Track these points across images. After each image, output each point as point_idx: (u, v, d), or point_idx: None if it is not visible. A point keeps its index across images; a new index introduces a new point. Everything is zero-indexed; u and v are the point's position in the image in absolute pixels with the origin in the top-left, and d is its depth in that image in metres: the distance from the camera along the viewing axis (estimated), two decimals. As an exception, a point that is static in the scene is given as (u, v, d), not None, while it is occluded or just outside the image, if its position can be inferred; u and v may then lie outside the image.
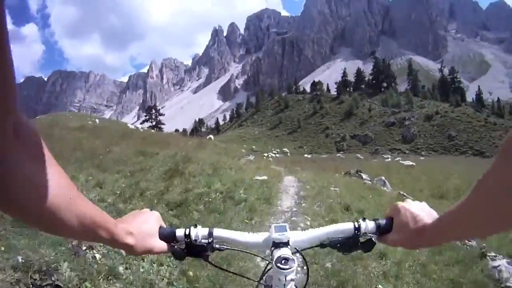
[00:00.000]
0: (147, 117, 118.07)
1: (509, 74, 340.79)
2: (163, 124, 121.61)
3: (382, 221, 1.12)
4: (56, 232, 0.82)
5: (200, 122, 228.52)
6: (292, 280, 1.06)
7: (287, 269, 1.04)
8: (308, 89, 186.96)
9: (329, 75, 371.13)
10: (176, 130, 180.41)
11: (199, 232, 1.15)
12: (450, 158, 73.81)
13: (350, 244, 1.14)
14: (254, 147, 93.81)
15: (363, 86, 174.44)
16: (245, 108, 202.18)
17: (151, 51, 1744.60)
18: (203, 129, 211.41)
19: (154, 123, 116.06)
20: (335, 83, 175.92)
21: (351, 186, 15.97)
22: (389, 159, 62.94)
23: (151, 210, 1.18)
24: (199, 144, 24.08)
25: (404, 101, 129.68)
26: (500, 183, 0.67)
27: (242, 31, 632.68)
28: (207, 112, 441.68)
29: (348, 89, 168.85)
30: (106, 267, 4.43)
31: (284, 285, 1.05)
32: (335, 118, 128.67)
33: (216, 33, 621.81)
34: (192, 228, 1.16)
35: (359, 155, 74.09)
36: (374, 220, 1.14)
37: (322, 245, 1.18)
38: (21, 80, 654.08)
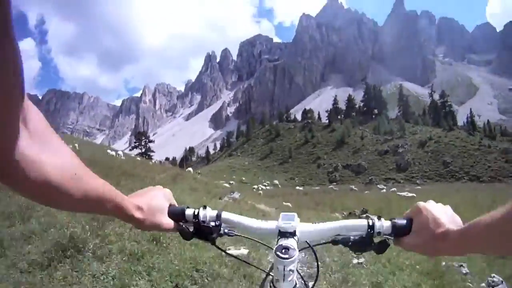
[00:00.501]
0: (137, 143, 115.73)
1: (496, 96, 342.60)
2: (153, 151, 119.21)
3: (400, 221, 1.05)
4: (62, 207, 0.85)
5: (191, 150, 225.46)
6: (291, 271, 1.01)
7: (286, 258, 0.99)
8: (299, 117, 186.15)
9: (319, 103, 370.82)
10: (167, 159, 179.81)
11: (207, 213, 1.14)
12: (446, 185, 70.83)
13: (363, 243, 1.08)
14: (243, 178, 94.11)
15: (354, 113, 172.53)
16: (235, 137, 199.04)
17: (145, 74, 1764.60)
18: (194, 158, 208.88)
19: (143, 150, 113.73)
20: (326, 111, 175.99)
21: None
22: (385, 190, 60.18)
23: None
24: (174, 178, 21.74)
25: (396, 128, 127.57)
26: None
27: (234, 57, 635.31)
28: (199, 141, 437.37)
29: (339, 116, 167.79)
30: None
31: (284, 275, 1.00)
32: (327, 147, 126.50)
33: (209, 58, 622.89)
34: (201, 209, 1.14)
35: (353, 186, 71.08)
36: (391, 219, 1.06)
37: (333, 241, 1.12)
38: None
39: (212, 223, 1.13)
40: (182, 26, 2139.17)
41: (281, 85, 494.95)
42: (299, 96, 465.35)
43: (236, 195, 21.88)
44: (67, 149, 0.78)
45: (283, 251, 1.00)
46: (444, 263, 8.05)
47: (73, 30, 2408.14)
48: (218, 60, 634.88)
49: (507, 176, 79.93)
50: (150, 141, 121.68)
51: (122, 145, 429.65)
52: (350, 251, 1.13)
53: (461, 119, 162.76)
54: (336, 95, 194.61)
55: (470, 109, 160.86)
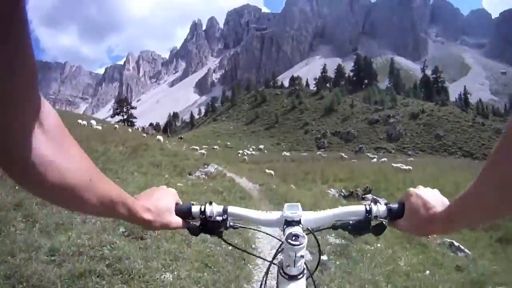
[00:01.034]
0: (118, 110, 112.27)
1: (488, 77, 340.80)
2: (135, 118, 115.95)
3: (394, 206, 1.13)
4: (76, 209, 0.88)
5: (175, 116, 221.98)
6: (302, 256, 1.08)
7: (297, 245, 1.05)
8: (286, 84, 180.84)
9: (307, 71, 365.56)
10: (151, 124, 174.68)
11: (214, 209, 1.16)
12: (439, 159, 67.71)
13: (361, 227, 1.15)
14: (228, 143, 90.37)
15: (343, 82, 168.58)
16: (220, 102, 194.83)
17: (129, 43, 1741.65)
18: (178, 124, 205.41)
19: (125, 116, 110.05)
20: (314, 79, 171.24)
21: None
22: (375, 159, 57.71)
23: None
24: (134, 150, 17.12)
25: (387, 98, 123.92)
26: (505, 168, 0.69)
27: (221, 25, 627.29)
28: (183, 106, 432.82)
29: (327, 85, 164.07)
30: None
31: (295, 261, 1.07)
32: (315, 114, 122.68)
33: (195, 26, 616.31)
34: (207, 205, 1.17)
35: (343, 154, 67.06)
36: (386, 204, 1.15)
37: (333, 226, 1.19)
38: None
39: (219, 218, 1.16)
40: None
41: (268, 53, 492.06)
42: (287, 64, 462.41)
43: (212, 168, 17.64)
44: (82, 151, 0.79)
45: (293, 238, 1.05)
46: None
47: (53, 0, 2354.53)
48: (204, 28, 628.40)
49: (501, 156, 76.35)
50: (132, 108, 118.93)
51: (105, 113, 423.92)
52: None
53: (452, 96, 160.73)
54: (325, 64, 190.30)
55: (464, 86, 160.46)
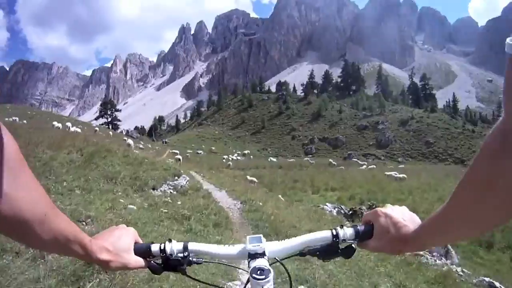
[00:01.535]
0: (102, 113, 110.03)
1: (475, 84, 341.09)
2: (119, 120, 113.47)
3: (362, 228, 1.12)
4: (30, 244, 0.87)
5: (160, 119, 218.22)
6: None
7: (262, 279, 1.03)
8: (273, 90, 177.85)
9: (295, 77, 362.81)
10: (136, 128, 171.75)
11: (174, 247, 1.14)
12: (430, 166, 66.86)
13: (329, 251, 1.13)
14: (213, 148, 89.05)
15: (330, 88, 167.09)
16: (206, 107, 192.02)
17: (118, 45, 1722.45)
18: (164, 127, 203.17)
19: (109, 119, 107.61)
20: (302, 84, 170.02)
21: None
22: (365, 166, 56.48)
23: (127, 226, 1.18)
24: (91, 157, 13.48)
25: (375, 104, 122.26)
26: (482, 181, 0.70)
27: (210, 30, 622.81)
28: (170, 110, 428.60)
29: (315, 91, 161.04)
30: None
31: None
32: (302, 119, 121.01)
33: (183, 30, 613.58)
34: (167, 243, 1.15)
35: (331, 160, 65.03)
36: (353, 226, 1.13)
37: (301, 253, 1.16)
38: None
39: (180, 255, 1.14)
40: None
41: (256, 58, 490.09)
42: (274, 70, 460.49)
43: (183, 180, 14.82)
44: (39, 185, 0.76)
45: (258, 272, 1.03)
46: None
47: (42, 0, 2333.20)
48: (192, 32, 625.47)
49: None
50: (117, 110, 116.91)
51: (91, 115, 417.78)
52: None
53: (439, 104, 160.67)
54: (312, 69, 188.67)
55: (454, 93, 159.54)
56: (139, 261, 1.10)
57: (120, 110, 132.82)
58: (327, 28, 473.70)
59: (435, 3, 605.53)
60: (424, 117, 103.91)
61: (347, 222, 15.36)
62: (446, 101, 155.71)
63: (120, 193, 10.38)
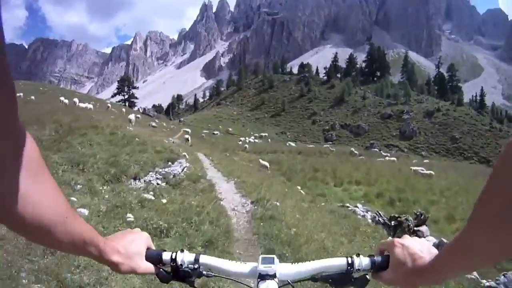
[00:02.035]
0: (119, 90, 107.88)
1: (501, 81, 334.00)
2: (136, 98, 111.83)
3: (378, 258, 1.09)
4: (48, 245, 0.87)
5: (179, 98, 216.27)
6: None
7: None
8: (295, 72, 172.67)
9: (317, 59, 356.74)
10: (154, 106, 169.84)
11: (185, 258, 1.14)
12: (456, 164, 63.10)
13: (343, 279, 1.11)
14: (230, 129, 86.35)
15: (354, 73, 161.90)
16: (226, 86, 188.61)
17: (138, 23, 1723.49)
18: (182, 106, 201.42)
19: (126, 96, 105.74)
20: (324, 68, 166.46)
21: None
22: (388, 157, 53.17)
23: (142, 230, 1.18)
24: (66, 135, 11.93)
25: (401, 93, 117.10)
26: (505, 205, 0.61)
27: (232, 8, 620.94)
28: (190, 89, 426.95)
29: (338, 75, 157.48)
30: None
31: None
32: (324, 103, 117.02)
33: (205, 8, 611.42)
34: (178, 252, 1.14)
35: (353, 149, 61.73)
36: (369, 256, 1.11)
37: (313, 278, 1.13)
38: None
39: (191, 266, 1.14)
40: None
41: (279, 39, 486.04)
42: (297, 51, 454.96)
43: (178, 166, 12.29)
44: (58, 188, 0.77)
45: None
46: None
47: None
48: (214, 10, 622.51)
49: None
50: (134, 87, 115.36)
51: (110, 93, 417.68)
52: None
53: (465, 97, 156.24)
54: (336, 53, 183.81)
55: (482, 87, 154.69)
56: (149, 267, 1.11)
57: (137, 87, 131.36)
58: (353, 9, 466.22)
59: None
60: (450, 110, 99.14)
61: (389, 236, 12.31)
62: (472, 96, 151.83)
63: (80, 186, 7.50)
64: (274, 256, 1.15)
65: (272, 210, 9.44)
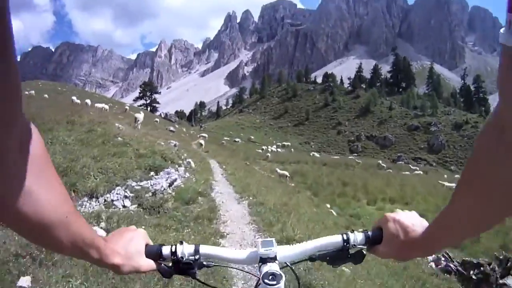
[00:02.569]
0: (141, 94, 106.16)
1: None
2: (158, 103, 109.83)
3: (371, 233, 1.11)
4: (47, 246, 0.82)
5: (201, 105, 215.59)
6: None
7: (274, 284, 1.02)
8: (319, 82, 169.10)
9: (341, 70, 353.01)
10: (176, 112, 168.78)
11: (185, 250, 1.12)
12: None
13: (339, 256, 1.13)
14: (252, 137, 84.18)
15: (379, 84, 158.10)
16: (249, 94, 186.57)
17: (163, 31, 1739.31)
18: (204, 113, 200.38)
19: (148, 101, 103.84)
20: (348, 78, 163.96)
21: None
22: (418, 171, 51.44)
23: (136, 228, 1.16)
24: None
25: (428, 104, 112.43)
26: (481, 182, 0.68)
27: (256, 19, 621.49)
28: (213, 97, 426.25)
29: (362, 85, 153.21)
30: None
31: None
32: (349, 113, 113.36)
33: (229, 18, 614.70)
34: (178, 245, 1.13)
35: (380, 161, 58.36)
36: (363, 231, 1.13)
37: (311, 258, 1.16)
38: (29, 49, 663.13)
39: (191, 258, 1.13)
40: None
41: (302, 50, 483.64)
42: (320, 62, 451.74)
43: (163, 180, 9.02)
44: (62, 185, 0.74)
45: (270, 277, 1.03)
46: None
47: None
48: (238, 21, 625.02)
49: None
50: (156, 92, 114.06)
51: (133, 97, 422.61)
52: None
53: (491, 109, 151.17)
54: (361, 63, 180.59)
55: None
56: (150, 264, 1.09)
57: (160, 92, 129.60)
58: (376, 22, 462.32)
59: (486, 3, 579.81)
60: (479, 122, 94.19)
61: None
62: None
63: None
64: (273, 239, 1.15)
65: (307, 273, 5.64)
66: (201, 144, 27.90)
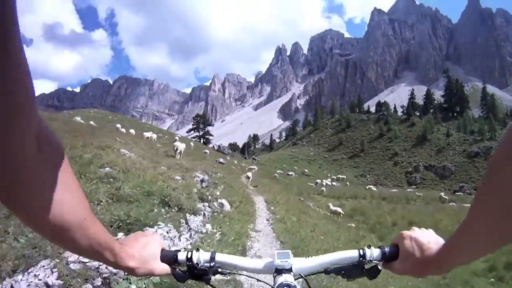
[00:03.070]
0: (195, 126, 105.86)
1: None
2: (211, 135, 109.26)
3: (388, 249, 1.10)
4: (65, 247, 0.82)
5: (255, 138, 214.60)
6: None
7: None
8: (372, 111, 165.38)
9: (393, 99, 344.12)
10: (229, 144, 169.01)
11: (201, 256, 1.13)
12: None
13: (354, 271, 1.12)
14: (306, 170, 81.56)
15: (432, 110, 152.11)
16: (302, 126, 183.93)
17: (216, 65, 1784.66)
18: (258, 146, 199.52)
19: (201, 133, 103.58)
20: (401, 106, 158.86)
21: None
22: None
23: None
24: None
25: (485, 128, 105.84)
26: (496, 197, 0.65)
27: (305, 51, 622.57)
28: (266, 130, 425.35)
29: (416, 112, 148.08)
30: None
31: None
32: (406, 143, 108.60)
33: (279, 51, 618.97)
34: (194, 251, 1.14)
35: (442, 194, 53.96)
36: (380, 247, 1.12)
37: (326, 271, 1.15)
38: (88, 81, 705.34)
39: (206, 264, 1.13)
40: (253, 19, 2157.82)
41: (353, 80, 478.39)
42: (371, 91, 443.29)
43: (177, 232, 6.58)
44: (79, 186, 0.75)
45: None
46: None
47: (142, 23, 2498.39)
48: (288, 53, 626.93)
49: None
50: (209, 125, 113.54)
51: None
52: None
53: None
54: (413, 89, 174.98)
55: None
56: (165, 268, 1.08)
57: (213, 124, 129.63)
58: (423, 46, 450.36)
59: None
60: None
61: None
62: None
63: None
64: (289, 251, 1.14)
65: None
66: (248, 177, 25.52)
